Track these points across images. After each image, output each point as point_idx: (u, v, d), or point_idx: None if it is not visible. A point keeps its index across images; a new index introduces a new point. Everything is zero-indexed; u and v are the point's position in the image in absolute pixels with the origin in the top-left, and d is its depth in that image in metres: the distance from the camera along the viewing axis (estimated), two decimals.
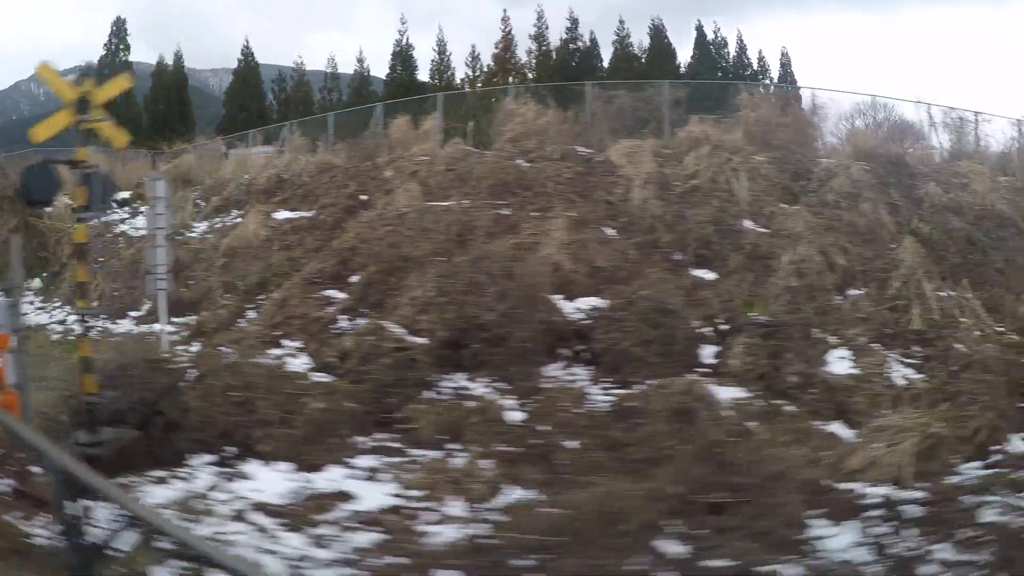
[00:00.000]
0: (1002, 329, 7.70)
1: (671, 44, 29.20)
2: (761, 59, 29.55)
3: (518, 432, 5.26)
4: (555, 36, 27.85)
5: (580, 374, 6.19)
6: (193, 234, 9.60)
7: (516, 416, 5.49)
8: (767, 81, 26.60)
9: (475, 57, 26.84)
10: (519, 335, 6.16)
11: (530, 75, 25.54)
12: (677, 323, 6.25)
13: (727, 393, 5.82)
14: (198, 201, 10.67)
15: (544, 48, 27.18)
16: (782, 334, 6.49)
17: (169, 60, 25.04)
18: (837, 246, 8.62)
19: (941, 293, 8.01)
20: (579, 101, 11.23)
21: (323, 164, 10.49)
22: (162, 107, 22.83)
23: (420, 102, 12.78)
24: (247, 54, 25.26)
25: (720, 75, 25.08)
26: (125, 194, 10.92)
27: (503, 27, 27.39)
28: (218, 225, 9.59)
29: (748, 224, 8.72)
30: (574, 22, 27.77)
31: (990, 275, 8.86)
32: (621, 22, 29.69)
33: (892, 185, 10.56)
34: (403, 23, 29.68)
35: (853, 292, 8.14)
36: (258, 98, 23.63)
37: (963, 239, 9.38)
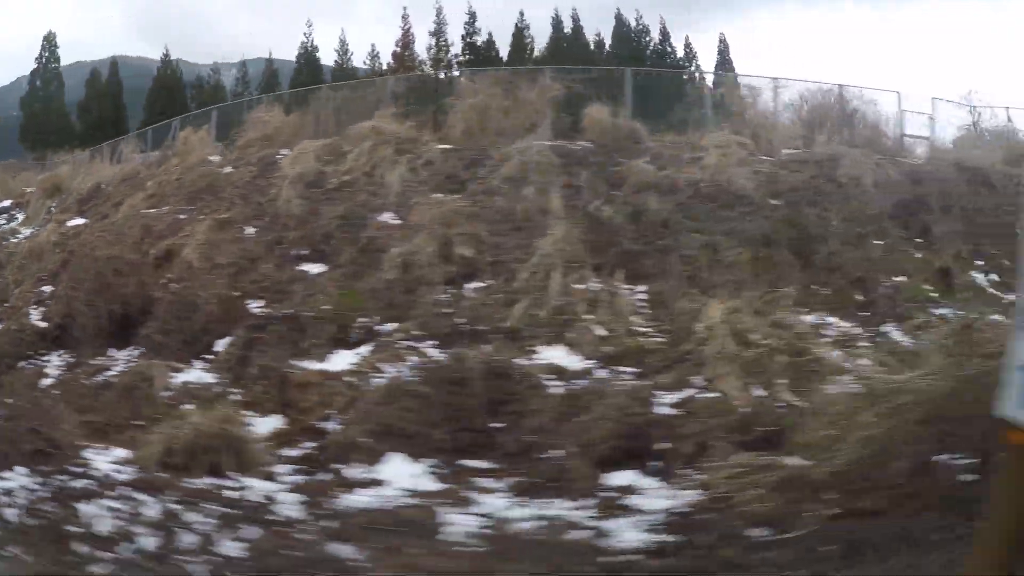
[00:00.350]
0: (648, 328, 7.15)
1: (583, 34, 28.58)
2: (688, 47, 28.55)
3: (39, 394, 7.50)
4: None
5: (134, 354, 8.23)
6: (16, 239, 12.56)
7: (47, 382, 7.73)
8: (692, 68, 25.75)
9: (374, 56, 28.22)
10: (96, 322, 8.33)
11: (429, 69, 26.40)
12: (199, 316, 8.01)
13: (204, 378, 6.95)
14: (52, 208, 13.65)
15: (442, 44, 27.66)
16: (278, 328, 7.41)
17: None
18: (467, 235, 8.87)
19: (580, 285, 7.68)
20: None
21: (127, 174, 12.96)
22: (94, 114, 26.30)
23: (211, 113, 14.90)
24: (166, 61, 28.37)
25: (646, 64, 24.58)
26: (6, 202, 14.16)
27: (403, 25, 28.32)
28: (37, 232, 12.46)
29: (386, 217, 9.84)
30: (472, 16, 27.94)
31: (674, 264, 8.24)
32: (521, 13, 29.40)
33: (592, 165, 10.75)
34: (308, 25, 31.75)
35: (476, 285, 8.08)
36: (182, 101, 26.63)
37: (658, 223, 8.95)
